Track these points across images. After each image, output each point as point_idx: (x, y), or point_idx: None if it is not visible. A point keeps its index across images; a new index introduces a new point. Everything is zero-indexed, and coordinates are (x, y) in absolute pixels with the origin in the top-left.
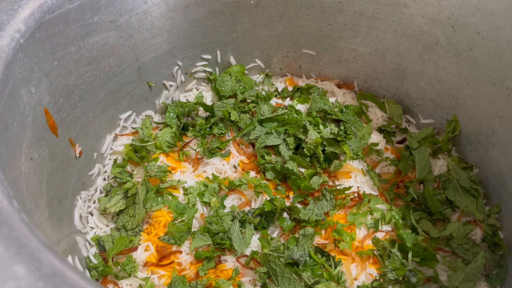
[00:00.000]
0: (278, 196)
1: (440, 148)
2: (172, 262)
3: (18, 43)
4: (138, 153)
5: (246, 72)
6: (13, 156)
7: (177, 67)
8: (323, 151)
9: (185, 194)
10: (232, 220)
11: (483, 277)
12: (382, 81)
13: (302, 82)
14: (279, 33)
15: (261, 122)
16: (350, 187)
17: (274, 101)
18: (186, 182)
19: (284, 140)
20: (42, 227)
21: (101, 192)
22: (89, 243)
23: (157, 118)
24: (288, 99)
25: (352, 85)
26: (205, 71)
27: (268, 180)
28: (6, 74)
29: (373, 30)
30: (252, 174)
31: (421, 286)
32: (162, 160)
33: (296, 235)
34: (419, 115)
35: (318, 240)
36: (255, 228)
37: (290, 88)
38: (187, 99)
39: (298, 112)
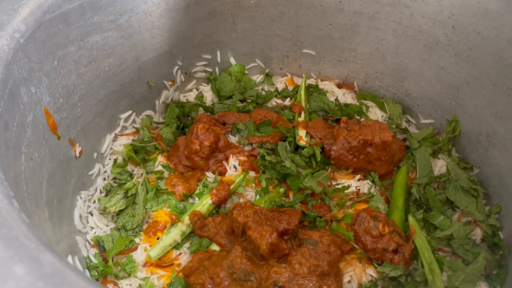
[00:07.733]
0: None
1: (441, 148)
2: (172, 263)
3: (18, 43)
4: (138, 153)
5: (246, 72)
6: (13, 156)
7: (177, 67)
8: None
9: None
10: None
11: (483, 277)
12: (382, 81)
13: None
14: (279, 33)
15: (258, 128)
16: (349, 186)
17: (274, 101)
18: None
19: (283, 140)
20: (42, 227)
21: (101, 192)
22: (89, 243)
23: (157, 118)
24: (288, 99)
25: (352, 85)
26: (205, 71)
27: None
28: (6, 74)
29: (373, 30)
30: (252, 174)
31: (423, 286)
32: (162, 160)
33: None
34: (419, 115)
35: None
36: None
37: (290, 88)
38: (187, 99)
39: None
